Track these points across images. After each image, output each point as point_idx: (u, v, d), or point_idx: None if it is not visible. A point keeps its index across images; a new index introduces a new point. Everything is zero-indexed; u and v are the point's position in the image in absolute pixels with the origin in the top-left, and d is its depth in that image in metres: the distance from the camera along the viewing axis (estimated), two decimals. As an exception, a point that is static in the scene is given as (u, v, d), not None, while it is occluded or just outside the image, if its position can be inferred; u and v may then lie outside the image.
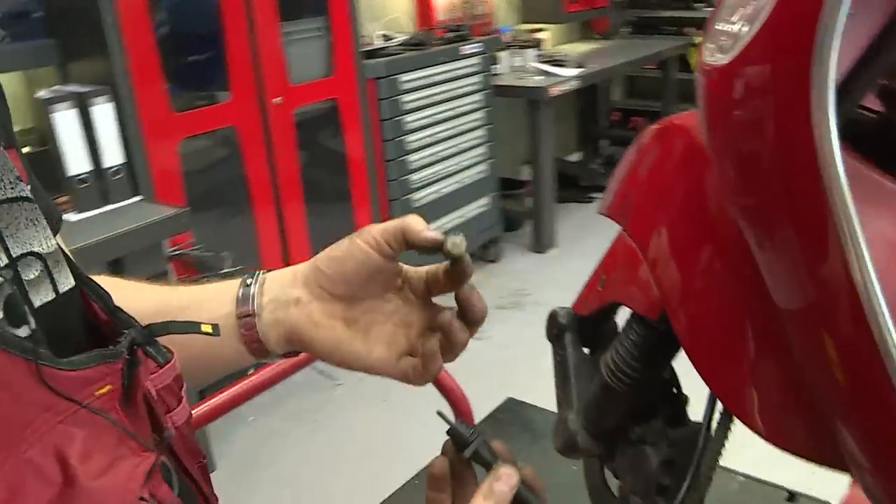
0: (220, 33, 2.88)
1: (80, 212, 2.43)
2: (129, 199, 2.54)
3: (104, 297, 0.65)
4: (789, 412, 0.66)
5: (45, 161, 2.48)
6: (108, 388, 0.58)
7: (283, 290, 0.79)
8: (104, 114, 2.45)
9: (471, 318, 0.75)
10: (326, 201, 3.50)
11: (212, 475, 2.47)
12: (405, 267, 0.79)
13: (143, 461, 0.57)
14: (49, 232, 0.61)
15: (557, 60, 4.53)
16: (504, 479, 0.65)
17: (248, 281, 0.79)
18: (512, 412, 1.48)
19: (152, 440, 0.64)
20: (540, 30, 4.92)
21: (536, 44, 4.67)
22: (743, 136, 0.56)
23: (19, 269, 0.58)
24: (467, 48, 3.88)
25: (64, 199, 2.47)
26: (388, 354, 0.78)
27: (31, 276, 0.59)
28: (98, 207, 2.47)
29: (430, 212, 3.80)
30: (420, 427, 2.47)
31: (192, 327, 0.67)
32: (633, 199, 0.88)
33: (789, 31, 0.52)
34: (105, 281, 0.86)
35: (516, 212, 4.47)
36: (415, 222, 0.73)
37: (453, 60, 3.82)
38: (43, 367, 0.53)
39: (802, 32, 0.49)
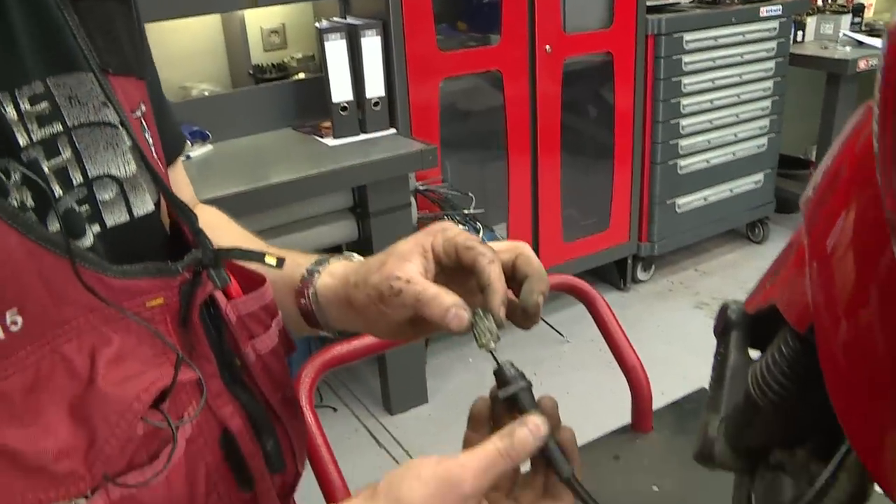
0: (497, -25, 2.86)
1: (337, 137, 2.56)
2: (384, 130, 2.63)
3: (191, 218, 0.66)
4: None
5: (317, 87, 2.64)
6: (160, 300, 0.59)
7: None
8: (372, 47, 2.54)
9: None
10: (585, 156, 3.42)
11: (421, 408, 2.54)
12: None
13: (166, 376, 0.57)
14: (129, 157, 0.63)
15: (878, 30, 4.02)
16: (530, 427, 0.60)
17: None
18: (699, 404, 1.35)
19: (216, 361, 0.64)
20: (867, -8, 4.38)
21: (856, 9, 4.16)
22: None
23: (95, 189, 0.60)
24: (767, 10, 3.55)
25: (326, 124, 2.61)
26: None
27: (107, 198, 0.61)
28: (354, 135, 2.59)
29: (696, 182, 3.58)
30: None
31: (256, 256, 0.66)
32: (820, 184, 0.74)
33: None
34: (216, 216, 0.89)
35: (794, 193, 4.08)
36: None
37: (748, 22, 3.51)
38: (86, 269, 0.54)
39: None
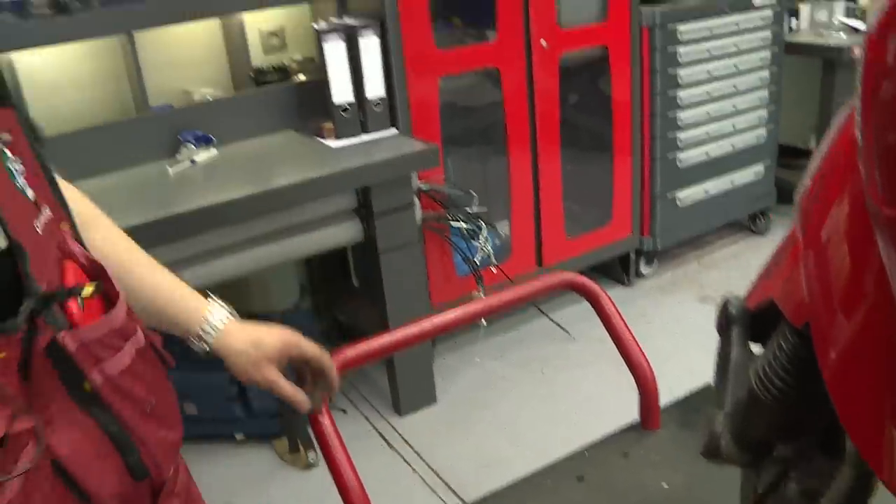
0: (492, -28, 2.87)
1: (339, 138, 2.58)
2: (385, 130, 2.64)
3: (25, 259, 0.65)
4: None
5: (318, 89, 2.65)
6: (2, 354, 0.61)
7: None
8: (370, 47, 2.56)
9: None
10: (585, 151, 3.43)
11: (431, 408, 2.56)
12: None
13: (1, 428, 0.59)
14: None
15: (872, 17, 4.01)
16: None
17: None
18: (706, 400, 1.37)
19: (66, 390, 0.66)
20: (860, -21, 4.37)
21: (851, -5, 4.16)
22: (889, 117, 0.44)
23: None
24: (761, -1, 3.56)
25: (328, 125, 2.62)
26: None
27: None
28: (356, 136, 2.60)
29: (696, 175, 3.58)
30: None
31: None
32: (814, 175, 0.76)
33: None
34: (126, 249, 0.97)
35: (794, 183, 4.07)
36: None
37: (742, 11, 3.51)
38: None
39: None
